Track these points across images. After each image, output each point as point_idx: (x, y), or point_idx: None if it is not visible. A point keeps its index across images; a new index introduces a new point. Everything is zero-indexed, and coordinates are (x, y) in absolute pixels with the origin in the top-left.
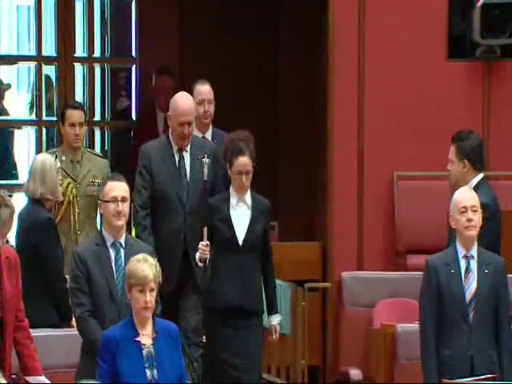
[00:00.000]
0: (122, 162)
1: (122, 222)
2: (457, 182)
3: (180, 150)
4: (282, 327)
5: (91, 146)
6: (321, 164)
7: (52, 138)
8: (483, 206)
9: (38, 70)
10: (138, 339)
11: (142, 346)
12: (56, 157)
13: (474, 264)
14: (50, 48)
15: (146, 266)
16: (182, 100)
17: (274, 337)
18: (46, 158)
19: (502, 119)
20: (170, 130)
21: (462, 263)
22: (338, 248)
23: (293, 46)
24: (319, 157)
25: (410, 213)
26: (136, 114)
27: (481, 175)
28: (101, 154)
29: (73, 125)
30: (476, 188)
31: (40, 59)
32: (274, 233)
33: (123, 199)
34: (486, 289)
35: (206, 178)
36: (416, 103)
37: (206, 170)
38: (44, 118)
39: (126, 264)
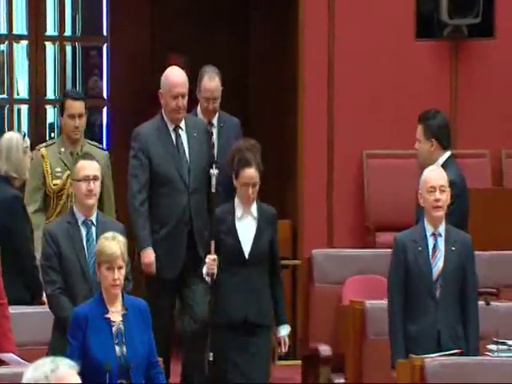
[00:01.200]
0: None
1: (93, 201)
2: (425, 161)
3: (176, 129)
4: None
5: None
6: (291, 143)
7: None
8: (451, 184)
9: (9, 49)
10: (107, 316)
11: (112, 323)
12: (33, 146)
13: (441, 242)
14: (20, 26)
15: (114, 243)
16: (174, 73)
17: (284, 349)
18: (13, 136)
19: (469, 98)
20: (162, 109)
21: (430, 241)
22: (308, 226)
23: (264, 33)
24: (289, 136)
25: (378, 191)
26: (107, 92)
27: (448, 153)
28: (101, 146)
29: (72, 116)
30: (444, 166)
31: (11, 38)
32: None
33: (95, 178)
34: (453, 266)
35: (213, 190)
36: (384, 82)
37: (213, 181)
38: (15, 96)
39: (97, 242)
